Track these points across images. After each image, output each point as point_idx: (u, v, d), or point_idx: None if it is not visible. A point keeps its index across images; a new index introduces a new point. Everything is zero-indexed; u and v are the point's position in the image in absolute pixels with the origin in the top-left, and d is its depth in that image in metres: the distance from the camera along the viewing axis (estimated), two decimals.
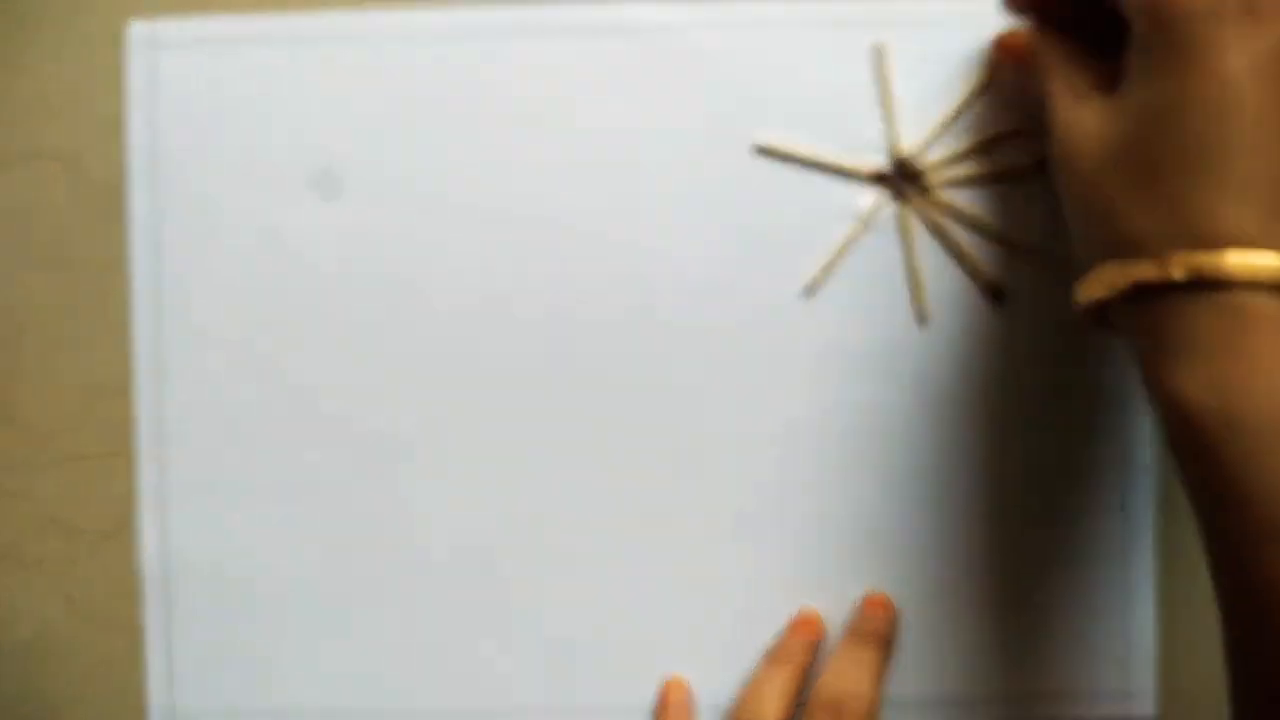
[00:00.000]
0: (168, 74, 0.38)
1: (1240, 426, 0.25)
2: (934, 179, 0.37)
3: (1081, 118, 0.29)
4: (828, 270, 0.38)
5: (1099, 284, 0.28)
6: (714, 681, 0.38)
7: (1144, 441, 0.38)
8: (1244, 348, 0.26)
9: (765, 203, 0.38)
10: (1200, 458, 0.26)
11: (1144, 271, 0.27)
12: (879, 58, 0.37)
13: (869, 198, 0.38)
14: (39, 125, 0.38)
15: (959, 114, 0.37)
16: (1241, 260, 0.26)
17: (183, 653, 0.39)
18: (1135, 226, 0.27)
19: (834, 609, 0.38)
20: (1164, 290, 0.27)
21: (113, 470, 0.39)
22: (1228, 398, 0.26)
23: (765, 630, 0.38)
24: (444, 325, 0.38)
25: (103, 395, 0.39)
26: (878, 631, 0.37)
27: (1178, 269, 0.26)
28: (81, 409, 0.39)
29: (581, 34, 0.38)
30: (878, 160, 0.38)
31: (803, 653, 0.37)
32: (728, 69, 0.38)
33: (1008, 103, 0.37)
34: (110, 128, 0.38)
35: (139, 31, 0.38)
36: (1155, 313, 0.27)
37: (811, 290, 0.38)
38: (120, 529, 0.39)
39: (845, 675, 0.36)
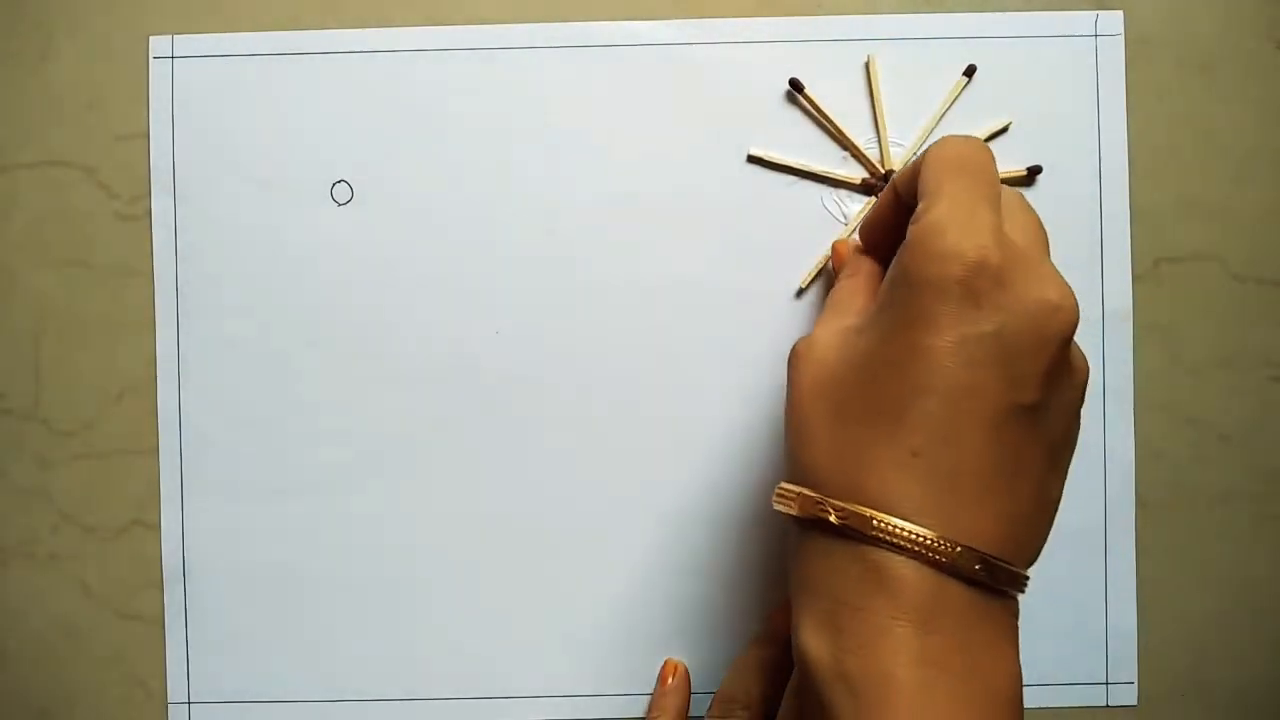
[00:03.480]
0: (186, 86, 0.39)
1: (850, 683, 0.25)
2: None
3: (827, 332, 0.30)
4: (818, 274, 0.39)
5: (785, 500, 0.28)
6: (710, 669, 0.39)
7: (1125, 438, 0.39)
8: (869, 606, 0.26)
9: (759, 210, 0.39)
10: (815, 702, 0.26)
11: (807, 506, 0.27)
12: (868, 70, 0.38)
13: (857, 205, 0.39)
14: (61, 134, 0.39)
15: (939, 120, 0.38)
16: (888, 522, 0.26)
17: (199, 644, 0.39)
18: (819, 459, 0.28)
19: None
20: (821, 527, 0.27)
21: (126, 469, 0.39)
22: (844, 653, 0.26)
23: (757, 618, 0.39)
24: (452, 328, 0.39)
25: (119, 396, 0.39)
26: None
27: (833, 512, 0.26)
28: (97, 409, 0.39)
29: (583, 50, 0.39)
30: (866, 170, 0.39)
31: (788, 635, 0.38)
32: (723, 82, 0.39)
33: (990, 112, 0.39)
34: (131, 138, 0.39)
35: (159, 45, 0.39)
36: (811, 546, 0.27)
37: (803, 293, 0.39)
38: (133, 526, 0.39)
39: None
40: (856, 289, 0.32)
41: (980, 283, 0.26)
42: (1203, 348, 0.39)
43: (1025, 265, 0.27)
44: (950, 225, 0.27)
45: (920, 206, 0.28)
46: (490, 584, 0.39)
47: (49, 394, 0.39)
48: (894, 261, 0.28)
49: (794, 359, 0.30)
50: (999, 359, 0.26)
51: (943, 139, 0.30)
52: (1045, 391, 0.27)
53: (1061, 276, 0.28)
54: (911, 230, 0.28)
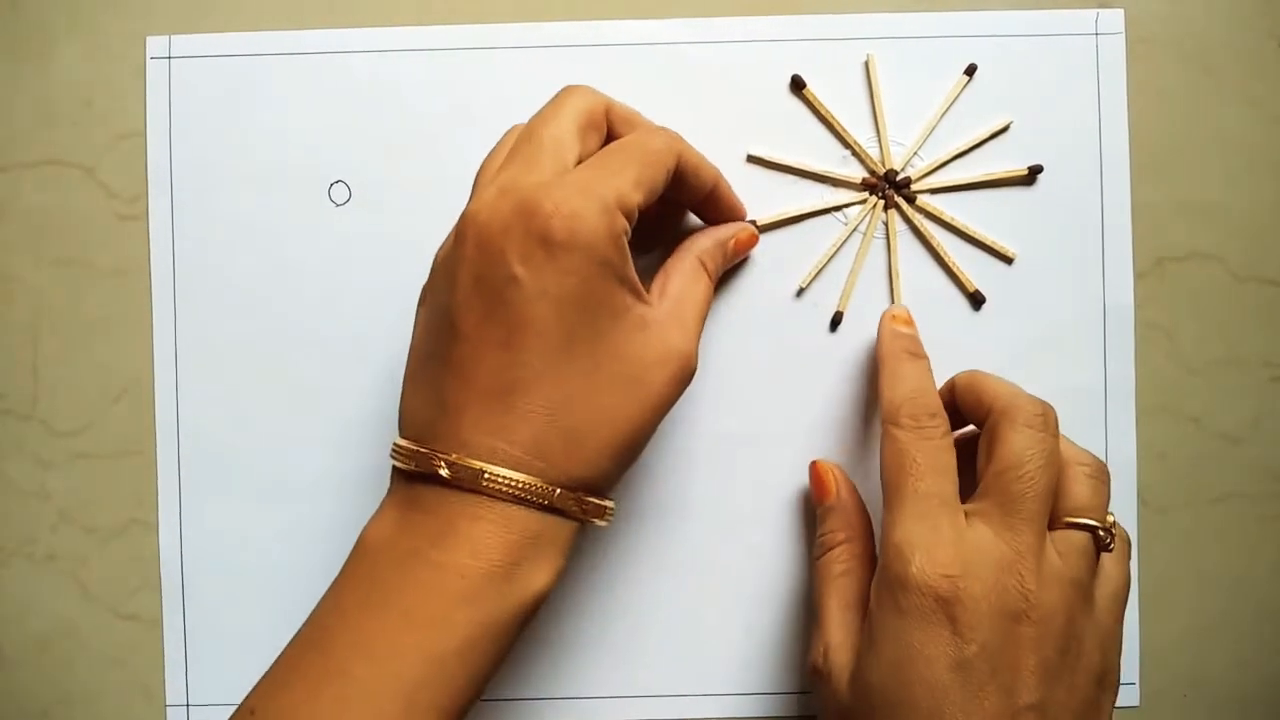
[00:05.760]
0: (184, 86, 0.39)
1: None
2: (919, 186, 0.39)
3: (839, 649, 0.33)
4: (818, 273, 0.39)
5: None
6: (709, 670, 0.39)
7: (1126, 438, 0.39)
8: None
9: (759, 210, 0.38)
10: None
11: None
12: (868, 70, 0.38)
13: (857, 205, 0.39)
14: (60, 134, 0.39)
15: (939, 120, 0.38)
16: None
17: (198, 645, 0.39)
18: None
19: None
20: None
21: (125, 469, 0.39)
22: None
23: (758, 617, 0.39)
24: None
25: (118, 396, 0.39)
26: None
27: None
28: (97, 409, 0.39)
29: (584, 50, 0.39)
30: (866, 169, 0.39)
31: None
32: (723, 82, 0.39)
33: (990, 111, 0.39)
34: (129, 137, 0.39)
35: (156, 45, 0.39)
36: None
37: (803, 292, 0.39)
38: (132, 526, 0.39)
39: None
40: (851, 563, 0.35)
41: (954, 610, 0.29)
42: (1203, 348, 0.39)
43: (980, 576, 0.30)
44: (916, 547, 0.30)
45: (885, 517, 0.32)
46: None
47: (48, 394, 0.39)
48: (876, 579, 0.31)
49: (815, 680, 0.33)
50: (992, 673, 0.29)
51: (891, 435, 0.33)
52: (1046, 689, 0.29)
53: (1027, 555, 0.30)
54: (882, 550, 0.31)
